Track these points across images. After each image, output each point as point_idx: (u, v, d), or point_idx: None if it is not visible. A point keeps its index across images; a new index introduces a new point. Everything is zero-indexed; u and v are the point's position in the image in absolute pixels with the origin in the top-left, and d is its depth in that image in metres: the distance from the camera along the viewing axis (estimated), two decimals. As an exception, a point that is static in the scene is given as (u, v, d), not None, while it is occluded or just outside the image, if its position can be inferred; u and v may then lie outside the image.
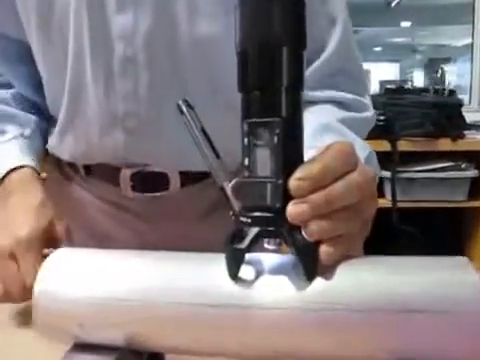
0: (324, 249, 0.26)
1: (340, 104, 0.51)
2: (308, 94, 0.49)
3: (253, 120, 0.26)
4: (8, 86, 0.55)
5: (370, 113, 0.53)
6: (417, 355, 0.25)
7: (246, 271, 0.27)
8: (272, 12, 0.26)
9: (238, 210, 0.28)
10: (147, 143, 0.48)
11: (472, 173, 1.55)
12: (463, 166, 1.54)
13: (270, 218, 0.26)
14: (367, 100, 0.53)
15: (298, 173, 0.26)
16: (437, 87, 1.75)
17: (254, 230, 0.27)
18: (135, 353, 0.30)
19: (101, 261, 0.31)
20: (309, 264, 0.26)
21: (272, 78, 0.26)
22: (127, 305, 0.28)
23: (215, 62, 0.47)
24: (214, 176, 0.35)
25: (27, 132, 0.52)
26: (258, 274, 0.27)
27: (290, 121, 0.27)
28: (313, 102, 0.50)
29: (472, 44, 2.34)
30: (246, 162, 0.27)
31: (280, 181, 0.26)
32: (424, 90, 1.79)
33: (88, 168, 0.53)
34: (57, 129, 0.52)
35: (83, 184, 0.55)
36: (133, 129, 0.47)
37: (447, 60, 5.33)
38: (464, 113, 1.65)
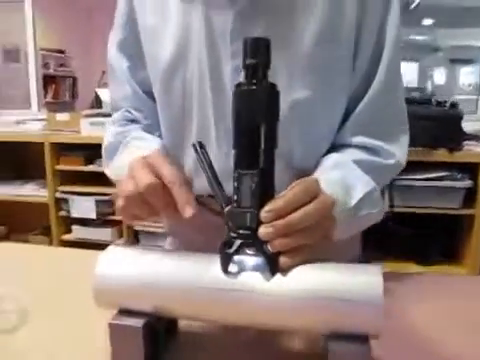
0: (282, 259, 0.41)
1: (369, 149, 0.61)
2: (346, 138, 0.62)
3: (240, 171, 0.41)
4: (136, 122, 0.71)
5: (393, 161, 0.61)
6: (339, 328, 0.39)
7: (233, 267, 0.42)
8: (255, 110, 0.40)
9: (229, 227, 0.43)
10: None
11: (466, 183, 1.66)
12: (458, 176, 1.66)
13: (249, 235, 0.41)
14: (396, 147, 0.62)
15: (267, 207, 0.41)
16: (440, 100, 1.85)
17: (238, 241, 0.41)
18: (158, 318, 0.45)
19: (141, 255, 0.46)
20: (272, 266, 0.41)
21: (254, 143, 0.41)
22: (154, 286, 0.43)
23: (310, 121, 0.61)
24: (217, 200, 0.50)
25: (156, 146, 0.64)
26: (241, 269, 0.42)
27: (265, 171, 0.41)
28: (347, 145, 0.62)
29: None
30: (235, 197, 0.42)
31: (255, 211, 0.41)
32: (427, 102, 1.89)
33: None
34: None
35: None
36: None
37: (469, 61, 5.34)
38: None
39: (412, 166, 1.69)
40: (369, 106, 0.62)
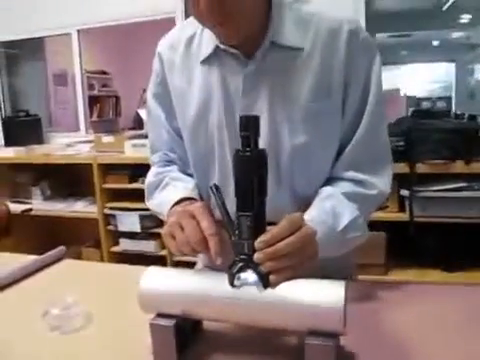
0: (271, 277, 0.56)
1: (357, 182, 0.75)
2: (339, 173, 0.77)
3: (240, 213, 0.57)
4: (173, 163, 0.88)
5: (376, 191, 0.75)
6: (313, 327, 0.54)
7: (237, 282, 0.58)
8: (249, 171, 0.56)
9: (234, 253, 0.59)
10: None
11: (484, 193, 1.73)
12: (476, 187, 1.73)
13: (247, 259, 0.57)
14: (380, 179, 0.76)
15: (259, 239, 0.56)
16: (458, 113, 1.93)
17: (240, 264, 0.57)
18: (185, 319, 0.62)
19: (172, 273, 0.63)
20: (264, 282, 0.56)
21: (250, 193, 0.56)
22: (181, 296, 0.59)
23: (310, 162, 0.76)
24: (228, 232, 0.65)
25: (191, 186, 0.82)
26: (242, 284, 0.57)
27: (257, 213, 0.57)
28: (340, 178, 0.77)
29: None
30: (236, 232, 0.57)
31: (251, 242, 0.56)
32: (447, 114, 1.97)
33: None
34: None
35: None
36: None
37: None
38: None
39: (431, 177, 1.79)
40: (356, 147, 0.76)
